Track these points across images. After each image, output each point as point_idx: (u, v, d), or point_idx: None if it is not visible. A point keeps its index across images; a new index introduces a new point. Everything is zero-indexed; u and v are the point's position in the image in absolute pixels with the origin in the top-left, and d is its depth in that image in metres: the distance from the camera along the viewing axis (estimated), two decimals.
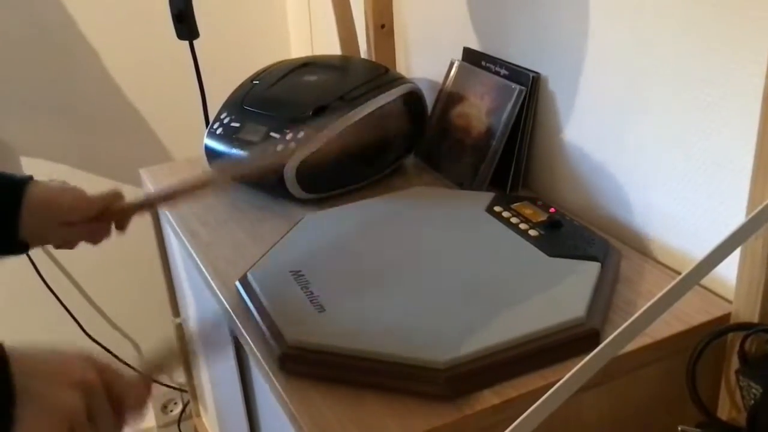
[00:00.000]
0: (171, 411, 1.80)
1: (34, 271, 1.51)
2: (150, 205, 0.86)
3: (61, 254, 1.54)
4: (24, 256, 1.43)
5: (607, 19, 0.86)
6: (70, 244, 0.79)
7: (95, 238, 0.79)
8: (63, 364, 0.53)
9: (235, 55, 1.52)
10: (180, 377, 1.62)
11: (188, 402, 1.61)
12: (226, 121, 1.09)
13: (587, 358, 0.53)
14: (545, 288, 0.74)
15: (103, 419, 0.53)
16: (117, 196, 0.80)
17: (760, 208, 0.56)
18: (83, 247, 0.81)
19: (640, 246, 0.88)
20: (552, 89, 0.97)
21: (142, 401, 0.57)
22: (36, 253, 1.52)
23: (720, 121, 0.75)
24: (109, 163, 1.55)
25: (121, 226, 0.81)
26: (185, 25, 1.14)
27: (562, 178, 0.99)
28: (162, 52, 1.46)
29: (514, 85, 0.98)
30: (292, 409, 0.66)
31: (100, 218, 0.78)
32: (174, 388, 1.74)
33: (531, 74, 0.97)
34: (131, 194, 0.83)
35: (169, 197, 0.85)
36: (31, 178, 0.76)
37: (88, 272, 1.61)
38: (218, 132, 1.08)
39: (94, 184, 0.83)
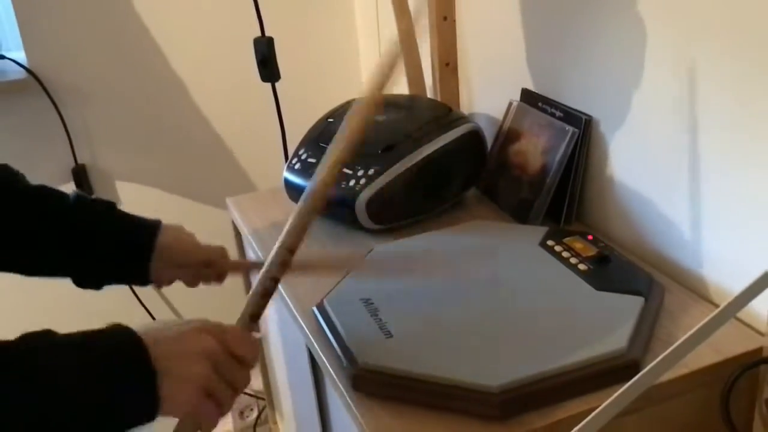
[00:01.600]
0: (247, 417, 1.92)
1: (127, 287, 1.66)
2: (247, 269, 0.97)
3: None
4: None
5: (656, 67, 0.93)
6: (169, 283, 0.91)
7: (195, 282, 0.91)
8: (186, 340, 0.62)
9: (311, 94, 1.64)
10: (257, 384, 1.74)
11: (264, 408, 1.73)
12: (303, 156, 1.19)
13: (625, 386, 0.60)
14: (591, 320, 0.82)
15: (231, 373, 0.63)
16: (223, 252, 0.91)
17: None
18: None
19: (684, 281, 0.94)
20: (603, 131, 1.04)
21: (254, 347, 0.67)
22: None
23: (761, 166, 0.81)
24: (196, 190, 1.69)
25: (221, 279, 0.93)
26: (268, 69, 1.25)
27: (612, 213, 1.06)
28: (247, 92, 1.60)
29: (567, 127, 1.06)
30: (363, 424, 0.75)
31: (209, 265, 0.90)
32: (250, 395, 1.86)
33: (584, 117, 1.05)
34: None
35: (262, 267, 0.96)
36: (160, 222, 0.87)
37: (177, 290, 1.75)
38: (296, 167, 1.18)
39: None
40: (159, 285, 0.89)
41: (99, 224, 0.85)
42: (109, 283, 0.88)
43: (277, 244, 0.72)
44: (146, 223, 0.87)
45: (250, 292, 0.71)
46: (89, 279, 0.87)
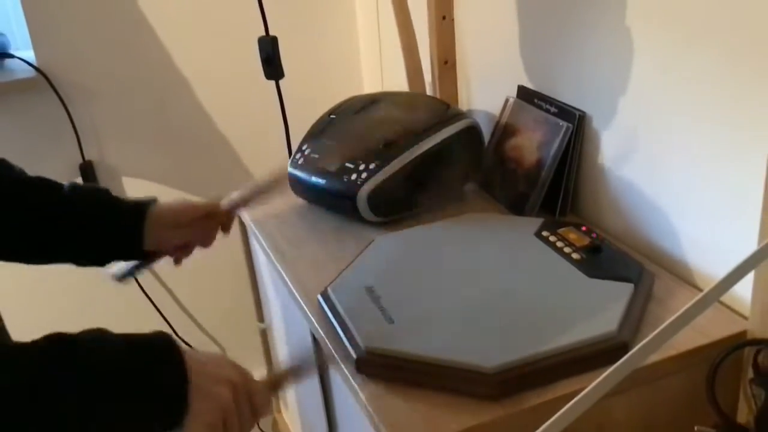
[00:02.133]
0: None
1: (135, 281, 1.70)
2: (241, 205, 1.02)
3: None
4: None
5: (645, 66, 0.97)
6: (187, 249, 0.95)
7: (206, 239, 0.95)
8: (218, 365, 0.68)
9: (314, 91, 1.68)
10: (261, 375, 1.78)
11: None
12: (307, 152, 1.23)
13: (614, 366, 0.64)
14: (583, 305, 0.86)
15: (244, 411, 0.69)
16: (216, 203, 0.96)
17: None
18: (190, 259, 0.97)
19: (672, 268, 0.98)
20: (595, 126, 1.08)
21: (268, 402, 0.72)
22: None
23: (746, 161, 0.85)
24: (201, 186, 1.73)
25: (226, 228, 0.97)
26: (272, 67, 1.29)
27: (604, 205, 1.10)
28: (251, 90, 1.64)
29: (562, 122, 1.10)
30: (366, 404, 0.79)
31: (207, 220, 0.94)
32: None
33: (577, 113, 1.09)
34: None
35: (250, 198, 1.01)
36: (155, 200, 0.92)
37: (182, 282, 1.79)
38: (300, 162, 1.22)
39: None
40: (161, 251, 0.93)
41: (92, 203, 0.89)
42: (110, 258, 0.92)
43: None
44: (140, 200, 0.92)
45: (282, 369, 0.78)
46: (89, 256, 0.91)
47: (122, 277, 0.95)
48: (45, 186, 0.89)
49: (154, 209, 0.91)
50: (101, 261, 0.92)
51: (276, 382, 0.78)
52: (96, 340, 0.62)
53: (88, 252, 0.90)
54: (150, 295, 1.73)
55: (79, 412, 0.58)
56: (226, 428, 0.67)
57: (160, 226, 0.91)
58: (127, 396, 0.61)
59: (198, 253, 1.00)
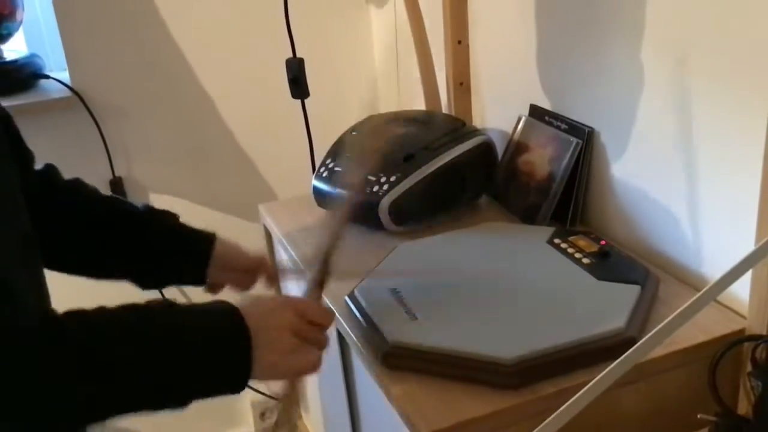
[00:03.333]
0: (268, 419, 2.02)
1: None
2: (292, 270, 1.09)
3: None
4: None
5: (652, 84, 1.04)
6: (220, 288, 1.01)
7: (243, 285, 1.02)
8: (272, 299, 0.76)
9: (336, 109, 1.76)
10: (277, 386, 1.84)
11: (295, 422, 1.81)
12: (330, 166, 1.30)
13: (621, 358, 0.70)
14: (593, 305, 0.92)
15: (312, 336, 0.75)
16: (264, 259, 1.03)
17: (763, 241, 0.72)
18: None
19: (677, 273, 1.05)
20: (604, 142, 1.15)
21: (326, 312, 0.79)
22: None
23: (744, 173, 0.92)
24: (227, 202, 1.81)
25: (273, 284, 1.04)
26: (299, 87, 1.37)
27: (612, 215, 1.17)
28: (275, 108, 1.73)
29: (572, 138, 1.17)
30: (394, 394, 0.85)
31: (251, 271, 1.01)
32: (270, 397, 1.96)
33: (587, 129, 1.16)
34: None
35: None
36: (215, 234, 0.99)
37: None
38: (324, 175, 1.30)
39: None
40: (211, 289, 1.00)
41: (165, 233, 0.96)
42: (169, 284, 0.99)
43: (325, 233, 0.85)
44: (204, 233, 0.99)
45: (313, 266, 0.84)
46: (152, 281, 0.98)
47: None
48: (120, 205, 0.95)
49: (217, 248, 0.98)
50: (161, 285, 0.99)
51: (319, 282, 0.83)
52: (168, 312, 0.69)
53: (155, 275, 0.97)
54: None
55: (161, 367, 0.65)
56: (303, 357, 0.74)
57: (219, 265, 0.98)
58: (200, 359, 0.67)
59: None
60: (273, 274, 1.04)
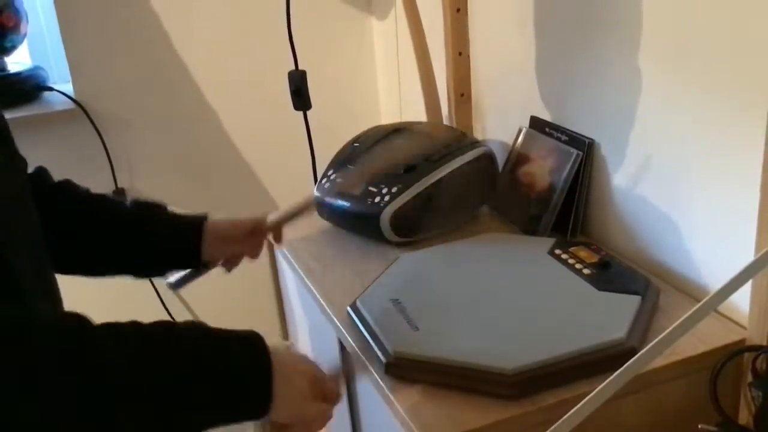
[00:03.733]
0: None
1: (157, 298, 1.77)
2: (288, 219, 1.10)
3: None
4: (148, 285, 1.71)
5: (651, 96, 1.05)
6: (236, 260, 1.03)
7: (254, 250, 1.04)
8: (297, 362, 0.76)
9: (337, 121, 1.77)
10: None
11: None
12: (332, 177, 1.31)
13: (622, 368, 0.70)
14: (594, 315, 0.93)
15: (320, 399, 0.76)
16: (261, 219, 1.05)
17: (763, 251, 0.73)
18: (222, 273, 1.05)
19: (677, 284, 1.05)
20: (604, 153, 1.16)
21: (339, 390, 0.81)
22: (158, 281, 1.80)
23: (743, 184, 0.92)
24: (228, 212, 1.81)
25: (278, 238, 1.06)
26: (301, 99, 1.38)
27: (613, 226, 1.18)
28: (277, 120, 1.74)
29: (572, 150, 1.18)
30: (396, 404, 0.85)
31: (254, 234, 1.02)
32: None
33: (587, 140, 1.17)
34: None
35: (289, 216, 1.12)
36: (207, 216, 1.01)
37: (205, 301, 1.87)
38: (326, 186, 1.30)
39: None
40: (214, 262, 1.01)
41: (154, 219, 0.98)
42: (169, 269, 1.01)
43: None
44: (193, 215, 1.01)
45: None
46: (150, 268, 0.99)
47: (177, 285, 1.04)
48: (109, 202, 0.97)
49: (208, 225, 1.00)
50: (161, 271, 1.01)
51: (342, 371, 0.87)
52: (194, 335, 0.69)
53: (151, 264, 0.99)
54: (173, 316, 1.80)
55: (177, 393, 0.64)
56: (316, 408, 0.75)
57: (214, 240, 1.00)
58: (219, 384, 0.67)
59: (222, 273, 1.09)
60: (276, 231, 1.06)
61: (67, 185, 0.97)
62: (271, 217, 1.08)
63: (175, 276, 1.04)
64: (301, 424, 0.75)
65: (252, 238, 1.04)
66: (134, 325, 0.65)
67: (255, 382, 0.69)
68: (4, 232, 0.66)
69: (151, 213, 0.98)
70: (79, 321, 0.62)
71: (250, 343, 0.70)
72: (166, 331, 0.67)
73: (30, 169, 0.93)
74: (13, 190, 0.72)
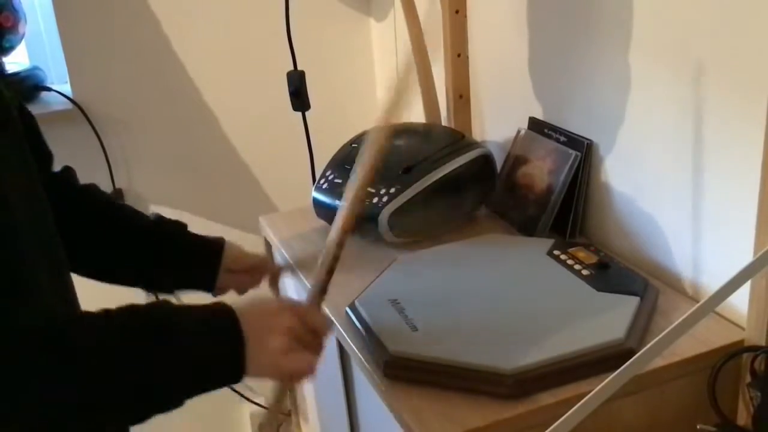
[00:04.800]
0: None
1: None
2: (292, 270, 1.10)
3: None
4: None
5: (649, 97, 1.05)
6: (223, 290, 1.02)
7: (244, 287, 1.03)
8: (272, 301, 0.78)
9: (335, 121, 1.77)
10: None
11: (282, 423, 1.82)
12: (330, 177, 1.31)
13: (620, 368, 0.70)
14: (593, 316, 0.93)
15: (308, 341, 0.76)
16: (265, 258, 1.04)
17: (761, 252, 0.73)
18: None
19: (675, 285, 1.05)
20: (602, 154, 1.16)
21: (325, 319, 0.81)
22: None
23: (740, 183, 0.92)
24: (226, 214, 1.82)
25: (275, 285, 1.05)
26: (300, 99, 1.38)
27: (611, 227, 1.18)
28: (275, 121, 1.74)
29: (570, 151, 1.18)
30: (394, 404, 0.85)
31: (252, 272, 1.02)
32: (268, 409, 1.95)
33: (585, 141, 1.17)
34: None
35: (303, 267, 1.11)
36: (224, 240, 1.01)
37: (202, 302, 1.87)
38: (324, 187, 1.30)
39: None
40: (219, 292, 1.01)
41: (175, 242, 0.98)
42: (179, 290, 1.01)
43: (329, 242, 0.85)
44: (213, 240, 1.01)
45: (316, 273, 0.84)
46: (162, 287, 1.00)
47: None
48: (133, 214, 0.98)
49: (226, 251, 1.00)
50: (173, 290, 1.01)
51: (321, 290, 0.84)
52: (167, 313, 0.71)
53: (165, 281, 0.99)
54: None
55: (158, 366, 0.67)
56: (296, 361, 0.75)
57: (223, 269, 1.00)
58: (197, 357, 0.69)
59: None
60: (275, 274, 1.05)
61: (93, 189, 0.98)
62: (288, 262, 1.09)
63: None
64: (288, 376, 0.77)
65: (248, 275, 1.03)
66: (108, 321, 0.68)
67: (223, 355, 0.71)
68: (9, 233, 0.66)
69: (173, 234, 0.98)
70: (63, 325, 0.66)
71: (218, 316, 0.72)
72: (131, 315, 0.69)
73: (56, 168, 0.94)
74: (23, 185, 0.72)
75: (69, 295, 0.81)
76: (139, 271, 0.97)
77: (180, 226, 1.00)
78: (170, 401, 0.69)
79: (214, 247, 1.00)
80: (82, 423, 0.67)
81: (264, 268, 1.04)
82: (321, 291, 0.84)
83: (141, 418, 0.69)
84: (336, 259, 0.84)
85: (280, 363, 0.74)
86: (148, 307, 0.71)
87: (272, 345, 0.73)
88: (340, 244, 0.84)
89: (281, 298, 0.79)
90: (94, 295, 0.92)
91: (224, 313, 0.73)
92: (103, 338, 0.66)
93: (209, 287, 1.00)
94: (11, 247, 0.65)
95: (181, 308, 0.72)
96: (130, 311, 0.69)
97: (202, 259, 0.99)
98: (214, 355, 0.70)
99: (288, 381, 0.79)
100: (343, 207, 0.86)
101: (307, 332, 0.77)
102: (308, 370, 0.76)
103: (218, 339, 0.71)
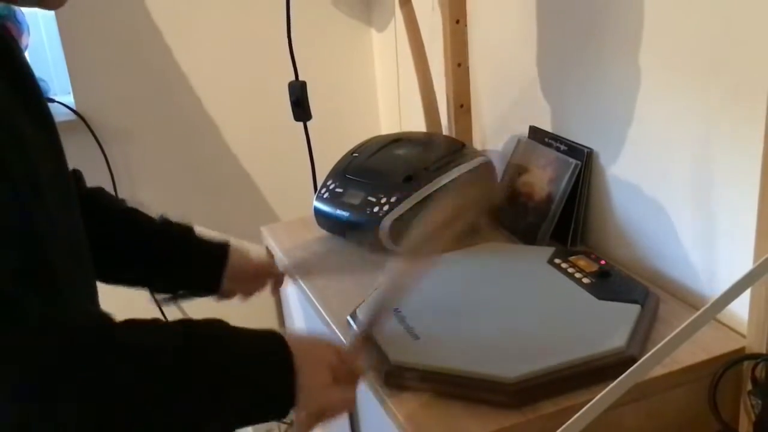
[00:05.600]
0: None
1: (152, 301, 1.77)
2: (296, 275, 1.10)
3: None
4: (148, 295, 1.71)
5: (649, 105, 1.06)
6: (230, 294, 1.03)
7: (250, 291, 1.03)
8: (315, 337, 0.77)
9: (336, 131, 1.78)
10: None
11: (286, 430, 1.82)
12: (331, 187, 1.31)
13: (621, 377, 0.70)
14: (594, 324, 0.93)
15: (346, 380, 0.77)
16: (271, 263, 1.04)
17: (761, 260, 0.73)
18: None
19: (676, 293, 1.06)
20: (602, 163, 1.17)
21: (363, 365, 0.81)
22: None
23: (740, 191, 0.93)
24: (229, 224, 1.82)
25: (277, 288, 1.05)
26: (301, 109, 1.39)
27: (612, 235, 1.18)
28: (277, 131, 1.75)
29: (571, 160, 1.18)
30: (396, 413, 0.85)
31: (257, 276, 1.02)
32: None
33: (585, 150, 1.17)
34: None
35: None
36: (228, 244, 1.01)
37: (204, 311, 1.87)
38: (325, 196, 1.30)
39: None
40: (224, 296, 1.01)
41: (181, 244, 0.98)
42: (183, 291, 1.01)
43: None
44: (218, 244, 1.01)
45: (365, 315, 0.86)
46: (166, 289, 1.00)
47: (165, 301, 1.03)
48: (141, 217, 0.98)
49: (231, 256, 1.00)
50: (175, 290, 1.01)
51: (366, 338, 0.85)
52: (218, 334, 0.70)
53: (169, 283, 0.99)
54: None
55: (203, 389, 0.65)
56: (335, 396, 0.75)
57: (228, 274, 1.00)
58: (252, 383, 0.68)
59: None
60: (279, 279, 1.06)
61: (101, 192, 0.99)
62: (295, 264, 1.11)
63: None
64: (328, 411, 0.76)
65: (254, 280, 1.04)
66: (156, 332, 0.66)
67: (278, 385, 0.70)
68: (49, 231, 0.66)
69: (178, 235, 0.99)
70: (114, 328, 0.64)
71: (271, 345, 0.71)
72: (185, 338, 0.67)
73: None
74: (59, 185, 0.72)
75: (96, 298, 0.81)
76: (143, 274, 0.97)
77: (185, 230, 1.00)
78: (215, 426, 0.68)
79: (219, 251, 1.00)
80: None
81: (268, 273, 1.05)
82: (366, 338, 0.85)
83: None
84: (387, 306, 0.86)
85: (323, 396, 0.73)
86: (201, 321, 0.70)
87: (318, 377, 0.73)
88: (395, 293, 0.85)
89: (322, 334, 0.79)
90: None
91: (277, 337, 0.72)
92: (152, 351, 0.63)
93: (214, 291, 1.00)
94: (51, 246, 0.65)
95: (233, 328, 0.71)
96: (183, 321, 0.69)
97: (207, 263, 0.99)
98: (267, 377, 0.69)
99: (324, 416, 0.77)
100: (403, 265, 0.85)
101: (346, 371, 0.77)
102: (346, 406, 0.77)
103: (273, 362, 0.70)
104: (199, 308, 1.64)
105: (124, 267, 0.97)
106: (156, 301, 1.74)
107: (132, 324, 0.65)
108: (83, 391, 0.59)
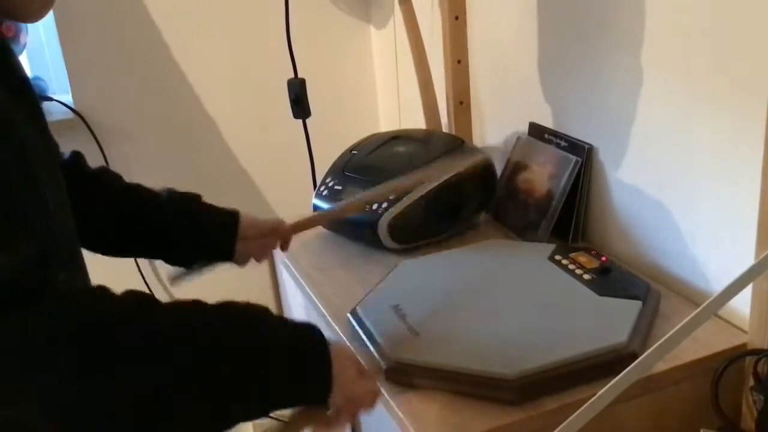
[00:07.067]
0: None
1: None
2: (305, 226, 1.10)
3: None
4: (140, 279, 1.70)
5: (649, 101, 1.05)
6: (244, 259, 1.03)
7: (263, 252, 1.04)
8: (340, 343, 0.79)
9: (336, 128, 1.78)
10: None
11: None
12: (330, 184, 1.31)
13: (623, 372, 0.70)
14: (595, 320, 0.92)
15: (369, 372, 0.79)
16: (279, 221, 1.05)
17: (763, 255, 0.73)
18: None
19: (677, 289, 1.05)
20: (602, 159, 1.16)
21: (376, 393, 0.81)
22: (153, 284, 1.81)
23: (741, 187, 0.92)
24: None
25: (285, 247, 1.06)
26: (300, 107, 1.39)
27: (612, 231, 1.18)
28: (277, 129, 1.75)
29: (571, 156, 1.18)
30: (397, 410, 0.85)
31: (268, 237, 1.03)
32: (271, 417, 1.94)
33: (586, 146, 1.17)
34: None
35: (314, 221, 1.12)
36: (238, 211, 1.02)
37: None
38: (324, 193, 1.30)
39: None
40: (239, 261, 1.02)
41: (191, 214, 0.98)
42: (198, 261, 1.01)
43: None
44: (228, 211, 1.01)
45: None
46: (181, 260, 1.00)
47: (177, 279, 1.03)
48: (147, 191, 0.98)
49: (242, 221, 1.01)
50: (190, 262, 1.01)
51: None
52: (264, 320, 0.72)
53: (184, 255, 0.99)
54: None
55: (240, 369, 0.66)
56: (362, 389, 0.77)
57: (240, 238, 1.00)
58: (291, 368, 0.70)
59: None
60: (287, 236, 1.06)
61: (105, 171, 1.00)
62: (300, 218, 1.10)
63: (175, 269, 1.03)
64: (357, 402, 0.77)
65: (265, 240, 1.04)
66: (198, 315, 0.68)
67: (317, 372, 0.72)
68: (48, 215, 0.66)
69: (187, 205, 0.99)
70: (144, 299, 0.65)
71: (311, 335, 0.73)
72: (224, 320, 0.68)
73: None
74: (51, 174, 0.72)
75: (86, 273, 0.80)
76: (156, 247, 0.98)
77: (194, 198, 1.00)
78: (257, 409, 0.69)
79: (230, 217, 1.00)
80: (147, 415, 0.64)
81: (278, 231, 1.05)
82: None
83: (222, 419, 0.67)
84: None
85: (354, 387, 0.75)
86: (242, 303, 0.71)
87: (349, 370, 0.75)
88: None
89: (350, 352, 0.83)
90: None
91: (316, 328, 0.74)
92: (191, 329, 0.65)
93: (228, 257, 1.00)
94: (48, 236, 0.65)
95: (272, 315, 0.73)
96: (224, 303, 0.70)
97: (220, 227, 0.99)
98: (306, 363, 0.72)
99: (355, 408, 0.78)
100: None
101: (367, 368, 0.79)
102: (373, 398, 0.78)
103: (311, 349, 0.72)
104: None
105: (136, 241, 0.97)
106: (149, 288, 1.75)
107: (175, 305, 0.67)
108: (136, 370, 0.60)
